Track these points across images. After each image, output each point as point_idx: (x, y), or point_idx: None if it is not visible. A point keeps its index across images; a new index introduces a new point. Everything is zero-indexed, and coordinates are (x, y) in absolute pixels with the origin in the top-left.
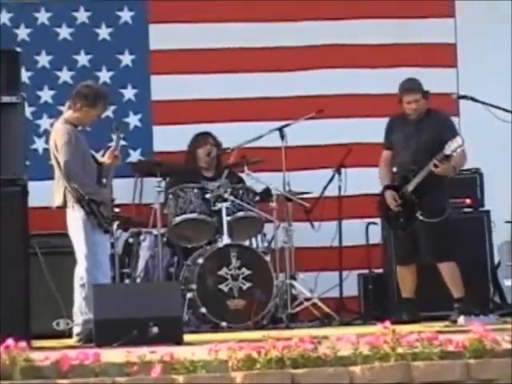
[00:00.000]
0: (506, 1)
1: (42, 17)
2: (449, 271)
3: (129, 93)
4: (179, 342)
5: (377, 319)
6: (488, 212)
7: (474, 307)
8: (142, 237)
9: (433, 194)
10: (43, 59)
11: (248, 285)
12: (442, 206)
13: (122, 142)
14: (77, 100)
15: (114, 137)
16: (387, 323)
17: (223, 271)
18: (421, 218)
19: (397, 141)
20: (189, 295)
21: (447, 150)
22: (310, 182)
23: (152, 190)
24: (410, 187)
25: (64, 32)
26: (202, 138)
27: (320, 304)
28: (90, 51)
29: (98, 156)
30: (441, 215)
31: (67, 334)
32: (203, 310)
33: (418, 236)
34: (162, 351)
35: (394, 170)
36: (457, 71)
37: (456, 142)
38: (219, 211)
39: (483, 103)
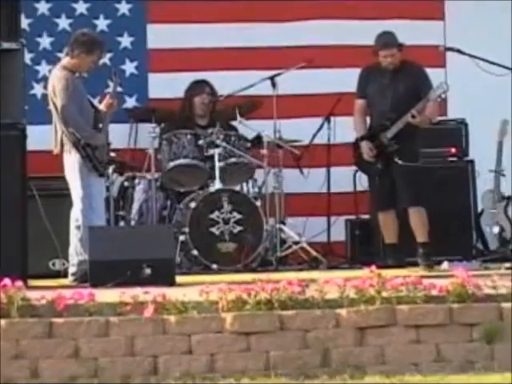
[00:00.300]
0: None
1: None
2: (418, 215)
3: (125, 41)
4: (171, 283)
5: (363, 263)
6: (472, 161)
7: (458, 253)
8: (136, 181)
9: (408, 143)
10: (42, 6)
11: (239, 228)
12: (416, 153)
13: (119, 89)
14: (74, 47)
15: (112, 82)
16: (373, 267)
17: (215, 215)
18: (400, 162)
19: (373, 90)
20: (181, 238)
21: (432, 95)
22: (300, 130)
23: (147, 135)
24: (389, 134)
25: None
26: (198, 86)
27: (308, 248)
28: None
29: (95, 102)
30: (416, 161)
31: (63, 274)
32: (195, 252)
33: (396, 181)
34: (154, 292)
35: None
36: (444, 24)
37: (441, 88)
38: (212, 157)
39: (469, 55)
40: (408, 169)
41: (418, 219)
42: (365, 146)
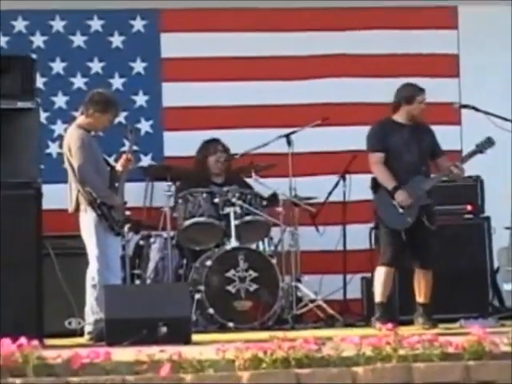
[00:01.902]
0: (507, 13)
1: (57, 25)
2: (430, 277)
3: (140, 99)
4: (187, 341)
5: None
6: (488, 218)
7: (474, 310)
8: (152, 239)
9: (434, 201)
10: (58, 66)
11: (255, 287)
12: (436, 214)
13: (134, 147)
14: (89, 106)
15: (128, 139)
16: (389, 325)
17: (231, 273)
18: (426, 223)
19: (396, 144)
20: (197, 296)
21: (483, 148)
22: (316, 188)
23: (162, 193)
24: (427, 187)
25: (78, 40)
26: (211, 146)
27: (324, 306)
28: (103, 58)
29: (111, 161)
30: (436, 223)
31: (79, 333)
32: (211, 310)
33: (417, 240)
34: (170, 350)
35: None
36: (459, 81)
37: (490, 142)
38: (227, 215)
39: (484, 112)
40: (432, 230)
41: (429, 281)
42: (403, 193)
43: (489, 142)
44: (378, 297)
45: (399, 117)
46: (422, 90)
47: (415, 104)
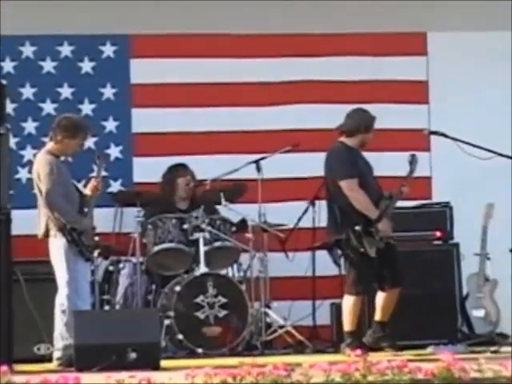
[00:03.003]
0: (477, 38)
1: (27, 50)
2: (395, 296)
3: (110, 125)
4: (157, 367)
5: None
6: (457, 245)
7: (444, 337)
8: (121, 265)
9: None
10: (27, 91)
11: (224, 312)
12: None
13: (103, 173)
14: (57, 132)
15: (97, 164)
16: (358, 351)
17: (200, 299)
18: (392, 242)
19: (362, 169)
20: (166, 322)
21: (414, 169)
22: (285, 214)
23: (132, 219)
24: (389, 212)
25: (48, 65)
26: (181, 169)
27: (294, 332)
28: (73, 84)
29: (80, 186)
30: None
31: (48, 359)
32: (180, 336)
33: (385, 261)
34: (140, 376)
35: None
36: (428, 108)
37: (415, 161)
38: (196, 241)
39: (453, 139)
40: (396, 248)
41: (394, 300)
42: (386, 223)
43: (413, 161)
44: (347, 326)
45: (351, 142)
46: (374, 118)
47: (371, 133)
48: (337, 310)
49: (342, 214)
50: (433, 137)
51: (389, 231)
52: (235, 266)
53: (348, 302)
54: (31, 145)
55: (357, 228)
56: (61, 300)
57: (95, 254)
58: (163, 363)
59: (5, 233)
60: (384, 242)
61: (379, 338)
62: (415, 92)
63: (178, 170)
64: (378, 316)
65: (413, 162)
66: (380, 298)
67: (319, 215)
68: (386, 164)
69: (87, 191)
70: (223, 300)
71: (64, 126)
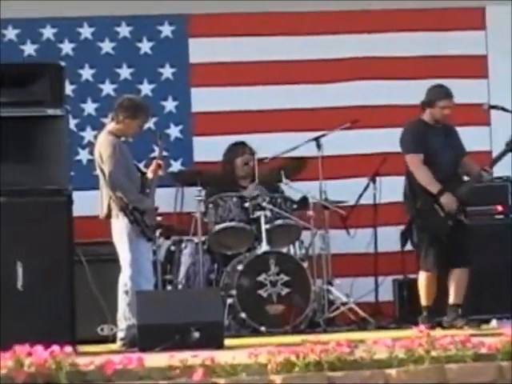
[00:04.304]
0: None
1: (85, 32)
2: (466, 276)
3: (170, 105)
4: (220, 346)
5: (411, 323)
6: None
7: (507, 311)
8: (183, 244)
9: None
10: (86, 73)
11: (286, 290)
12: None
13: (164, 153)
14: (119, 112)
15: (158, 145)
16: (422, 327)
17: (262, 277)
18: (465, 221)
19: (433, 145)
20: (229, 301)
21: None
22: (346, 191)
23: (193, 199)
24: (465, 189)
25: (106, 46)
26: (239, 148)
27: (356, 309)
28: (131, 65)
29: (141, 167)
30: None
31: (111, 339)
32: (243, 315)
33: (455, 240)
34: (203, 355)
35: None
36: (488, 82)
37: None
38: (258, 219)
39: None
40: (470, 228)
41: (464, 280)
42: (449, 198)
43: None
44: (422, 300)
45: (426, 117)
46: (447, 95)
47: (436, 109)
48: (399, 286)
49: (410, 190)
50: (493, 111)
51: (452, 205)
52: (297, 244)
53: (420, 278)
54: (91, 126)
55: (419, 204)
56: (124, 280)
57: (157, 233)
58: (226, 342)
59: (66, 214)
60: (453, 220)
61: (454, 319)
62: (475, 67)
63: (236, 149)
64: (450, 299)
65: None
66: (451, 278)
67: (380, 192)
68: None
69: (149, 173)
70: (285, 278)
71: (126, 106)
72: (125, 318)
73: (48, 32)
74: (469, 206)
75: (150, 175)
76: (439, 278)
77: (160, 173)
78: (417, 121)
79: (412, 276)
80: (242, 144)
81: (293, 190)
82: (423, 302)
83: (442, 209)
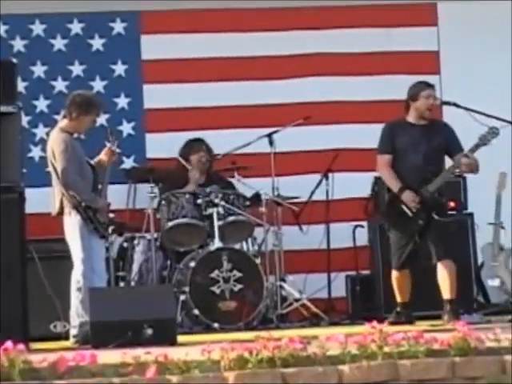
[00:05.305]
0: (487, 6)
1: (37, 28)
2: (452, 268)
3: (122, 101)
4: (173, 342)
5: (364, 319)
6: (471, 215)
7: (459, 307)
8: (135, 241)
9: (444, 195)
10: (38, 70)
11: (239, 287)
12: (447, 206)
13: (116, 150)
14: (72, 109)
15: (109, 141)
16: (374, 323)
17: (215, 274)
18: (436, 217)
19: (404, 145)
20: (182, 297)
21: (487, 140)
22: (299, 187)
23: (145, 195)
24: (432, 187)
25: (58, 43)
26: (195, 145)
27: (309, 305)
28: (83, 61)
29: (93, 163)
30: (448, 215)
31: (64, 336)
32: (196, 311)
33: (427, 237)
34: (156, 352)
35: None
36: (439, 78)
37: (494, 133)
38: (210, 216)
39: (466, 109)
40: (442, 223)
41: (449, 272)
42: (409, 195)
43: (492, 133)
44: (397, 298)
45: (410, 117)
46: (428, 86)
47: (421, 99)
48: (352, 282)
49: (379, 190)
50: (445, 107)
51: (412, 202)
52: (250, 240)
53: (392, 276)
54: (43, 123)
55: (382, 204)
56: (76, 277)
57: (110, 230)
58: (179, 339)
59: (18, 211)
60: (423, 219)
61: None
62: (427, 62)
63: (192, 146)
64: (443, 295)
65: (484, 138)
66: (439, 274)
67: (332, 188)
68: None
69: (102, 156)
70: (238, 274)
71: (78, 102)
72: (78, 314)
73: (0, 29)
74: (436, 203)
75: (103, 158)
76: (413, 274)
77: (113, 159)
78: (395, 120)
79: (364, 272)
80: (200, 141)
81: (245, 186)
82: (398, 298)
83: (409, 209)
